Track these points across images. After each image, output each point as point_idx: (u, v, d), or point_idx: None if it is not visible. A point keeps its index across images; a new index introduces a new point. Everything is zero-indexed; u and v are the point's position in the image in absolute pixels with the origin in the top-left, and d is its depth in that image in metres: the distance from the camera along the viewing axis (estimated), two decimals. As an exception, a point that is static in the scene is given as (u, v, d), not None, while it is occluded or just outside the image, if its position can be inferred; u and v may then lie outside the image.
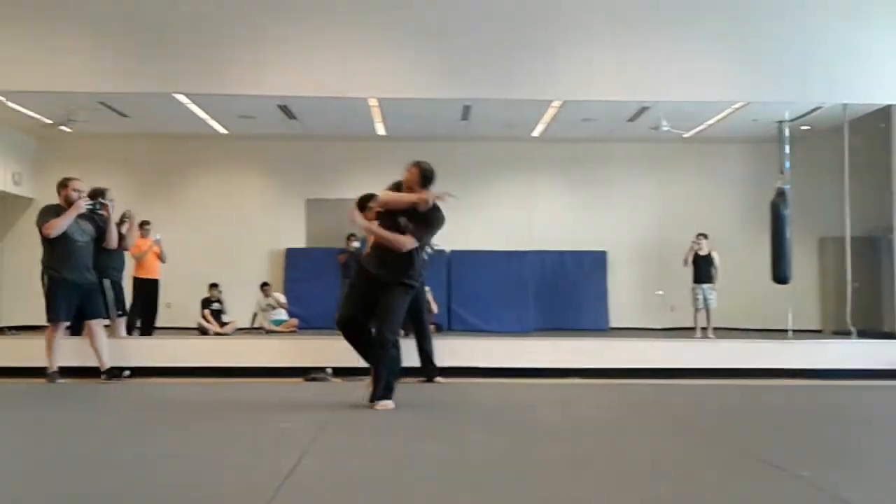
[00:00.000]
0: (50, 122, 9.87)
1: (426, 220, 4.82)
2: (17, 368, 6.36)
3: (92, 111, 9.36)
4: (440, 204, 4.87)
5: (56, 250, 6.13)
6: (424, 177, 4.85)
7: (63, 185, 6.30)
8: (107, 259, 6.72)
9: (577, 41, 7.65)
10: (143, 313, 9.19)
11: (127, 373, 6.36)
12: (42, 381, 6.17)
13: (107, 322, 6.72)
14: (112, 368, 6.32)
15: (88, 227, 6.34)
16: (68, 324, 6.36)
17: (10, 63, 7.15)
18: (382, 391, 4.71)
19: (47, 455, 3.53)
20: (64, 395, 5.64)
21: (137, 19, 7.31)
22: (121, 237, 6.85)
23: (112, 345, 6.61)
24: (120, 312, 7.12)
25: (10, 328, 9.18)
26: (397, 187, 4.91)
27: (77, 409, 4.99)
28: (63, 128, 10.26)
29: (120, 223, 6.82)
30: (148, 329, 9.19)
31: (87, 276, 6.25)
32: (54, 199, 6.29)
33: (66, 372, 6.31)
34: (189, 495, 2.77)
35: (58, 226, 6.04)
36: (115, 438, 3.96)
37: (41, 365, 6.29)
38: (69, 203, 6.16)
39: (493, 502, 2.77)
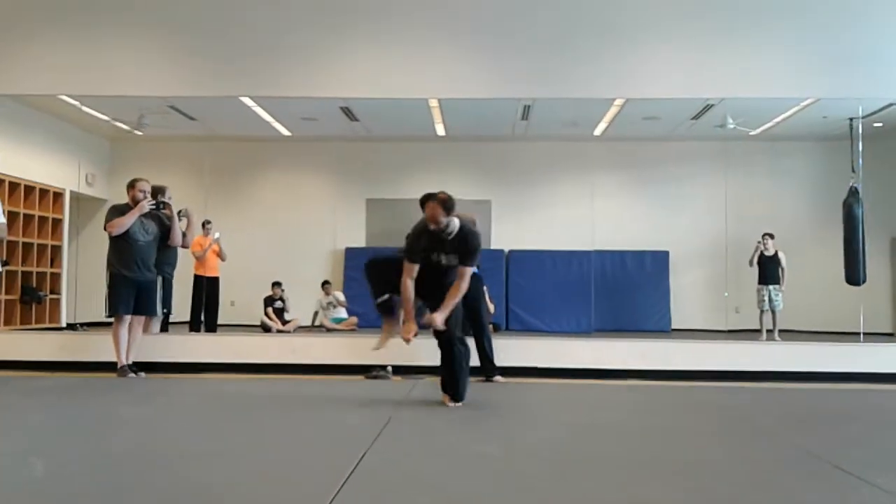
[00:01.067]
0: (123, 125, 10.19)
1: (464, 244, 4.90)
2: (89, 363, 6.56)
3: (162, 114, 9.63)
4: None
5: (118, 248, 6.38)
6: (446, 206, 4.93)
7: (131, 185, 6.56)
8: (163, 256, 6.85)
9: (642, 38, 7.53)
10: (207, 310, 9.42)
11: (142, 374, 6.48)
12: (113, 375, 6.38)
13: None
14: (125, 366, 6.42)
15: (152, 227, 6.54)
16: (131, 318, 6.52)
17: (84, 68, 7.39)
18: (456, 390, 4.79)
19: (113, 448, 3.64)
20: (132, 389, 5.81)
21: (206, 25, 7.48)
22: (182, 234, 6.98)
23: (149, 340, 6.80)
24: (165, 310, 7.23)
25: (82, 324, 9.53)
26: (419, 231, 5.03)
27: (143, 403, 5.13)
28: (134, 131, 10.60)
29: (178, 219, 6.97)
30: (211, 326, 9.42)
31: (146, 274, 6.44)
32: (125, 200, 6.52)
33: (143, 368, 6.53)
34: (254, 491, 2.83)
35: (120, 224, 6.28)
36: (180, 433, 4.06)
37: (111, 360, 6.51)
38: (135, 203, 6.39)
39: (548, 501, 2.76)
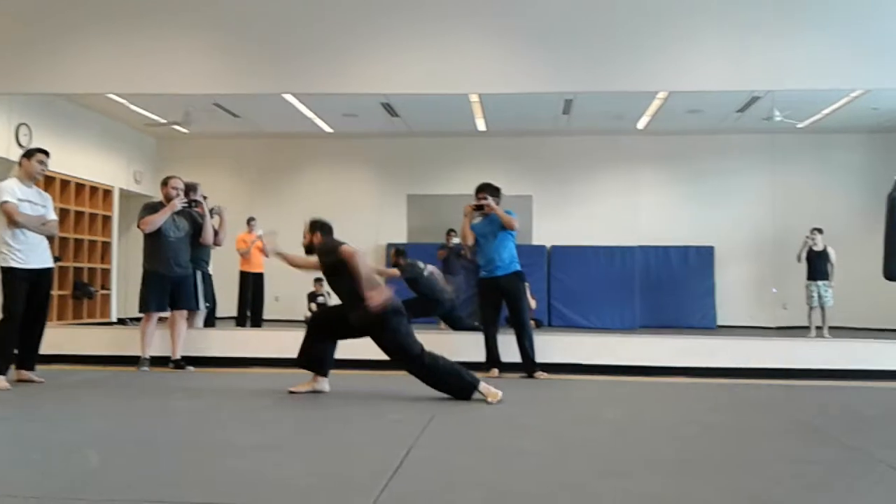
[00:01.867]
0: (167, 122, 10.37)
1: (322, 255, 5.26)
2: (139, 358, 6.68)
3: (206, 112, 9.79)
4: None
5: (150, 245, 6.50)
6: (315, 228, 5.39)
7: (164, 183, 6.68)
8: (197, 252, 6.94)
9: (685, 29, 7.40)
10: (252, 306, 9.56)
11: (191, 368, 6.59)
12: (164, 369, 6.52)
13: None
14: (180, 360, 6.58)
15: (184, 224, 6.63)
16: (163, 315, 6.65)
17: (131, 67, 7.53)
18: (462, 386, 4.91)
19: (162, 440, 3.71)
20: (181, 382, 5.91)
21: (250, 22, 7.57)
22: (215, 233, 7.04)
23: (196, 335, 6.92)
24: (208, 305, 7.33)
25: (131, 319, 9.74)
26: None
27: (192, 396, 5.22)
28: (180, 128, 10.78)
29: (210, 217, 7.06)
30: (256, 321, 9.56)
31: (177, 270, 6.51)
32: None
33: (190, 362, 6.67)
34: (301, 482, 2.87)
35: (152, 222, 6.39)
36: (228, 426, 4.13)
37: (161, 354, 6.65)
38: (168, 200, 6.50)
39: (596, 499, 2.75)
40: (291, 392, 5.07)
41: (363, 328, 4.99)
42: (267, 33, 7.55)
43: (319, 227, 5.37)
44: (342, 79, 7.55)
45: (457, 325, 8.56)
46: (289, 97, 8.94)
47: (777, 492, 2.89)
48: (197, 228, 6.77)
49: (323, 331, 5.21)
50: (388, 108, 9.90)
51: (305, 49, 7.52)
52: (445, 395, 4.99)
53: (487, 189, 6.51)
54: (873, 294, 9.77)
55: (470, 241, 6.75)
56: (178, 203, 6.50)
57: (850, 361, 6.93)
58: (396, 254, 9.27)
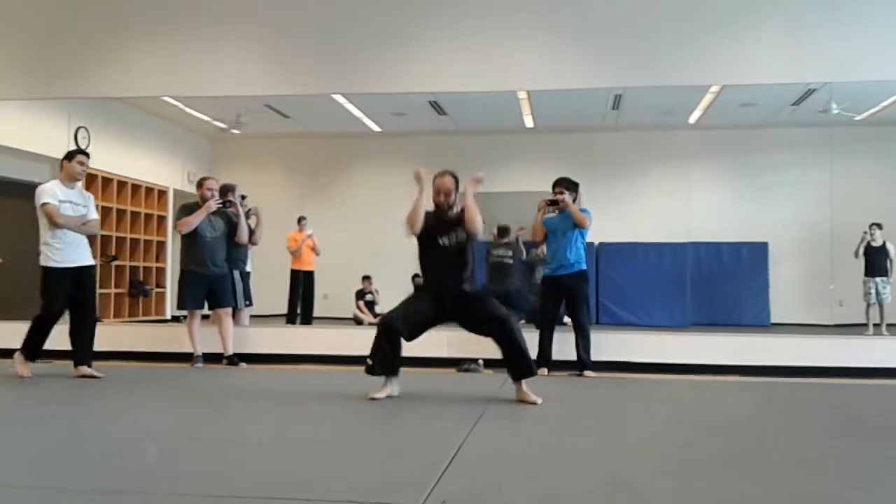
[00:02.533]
0: (223, 126, 10.57)
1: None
2: (185, 354, 6.84)
3: (257, 113, 9.95)
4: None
5: (188, 245, 6.68)
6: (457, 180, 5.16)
7: (199, 184, 6.87)
8: (234, 251, 7.05)
9: (738, 20, 7.24)
10: (302, 303, 9.69)
11: (243, 365, 6.70)
12: (217, 366, 6.65)
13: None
14: (233, 356, 6.71)
15: (220, 224, 6.78)
16: (205, 312, 6.80)
17: (185, 70, 7.68)
18: (528, 364, 4.73)
19: (217, 435, 3.79)
20: (234, 379, 6.02)
21: (299, 25, 7.65)
22: (251, 232, 7.14)
23: (239, 333, 7.02)
24: (247, 303, 7.44)
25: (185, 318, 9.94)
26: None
27: (244, 393, 5.31)
28: (233, 130, 10.97)
29: (247, 217, 7.16)
30: (307, 318, 9.69)
31: (214, 269, 6.65)
32: None
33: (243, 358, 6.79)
34: (353, 479, 2.90)
35: (188, 223, 6.56)
36: (280, 422, 4.19)
37: (214, 351, 6.79)
38: (204, 201, 6.65)
39: (647, 497, 2.72)
40: (373, 399, 4.79)
41: (464, 302, 4.79)
42: (315, 35, 7.63)
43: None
44: (390, 78, 7.59)
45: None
46: (338, 97, 9.03)
47: (831, 489, 2.83)
48: (232, 228, 6.90)
49: (400, 332, 4.93)
50: (436, 107, 9.93)
51: (353, 50, 7.58)
52: (494, 392, 4.98)
53: (564, 183, 6.43)
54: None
55: (539, 236, 6.70)
56: (213, 204, 6.65)
57: (911, 360, 6.73)
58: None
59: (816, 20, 7.13)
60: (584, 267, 6.43)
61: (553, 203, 6.38)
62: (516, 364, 4.70)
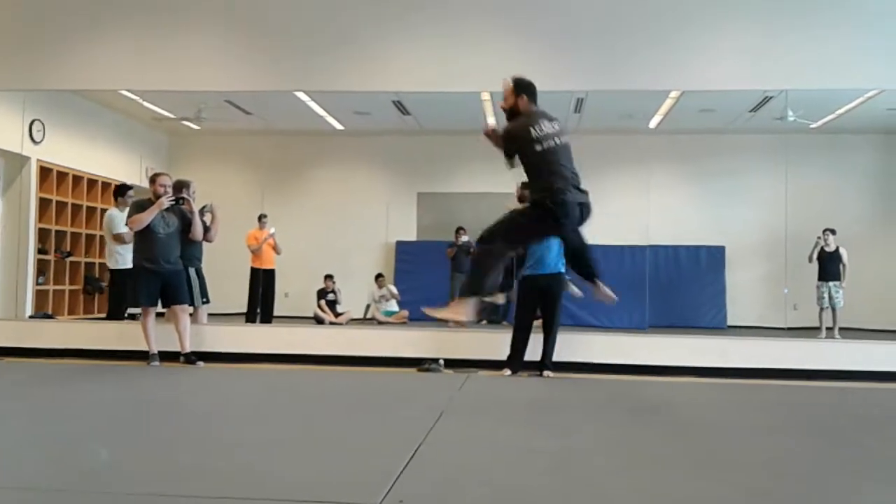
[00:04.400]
0: (179, 119, 10.42)
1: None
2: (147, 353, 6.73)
3: (218, 108, 9.81)
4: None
5: (140, 241, 6.60)
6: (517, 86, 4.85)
7: (152, 180, 6.76)
8: (190, 249, 6.99)
9: (698, 27, 7.38)
10: (262, 302, 9.60)
11: (201, 363, 6.62)
12: (174, 364, 6.55)
13: (191, 310, 7.00)
14: (190, 354, 6.62)
15: (173, 220, 6.68)
16: (159, 310, 6.72)
17: (144, 64, 7.56)
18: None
19: (170, 435, 3.73)
20: (190, 377, 5.94)
21: (262, 21, 7.59)
22: (205, 229, 7.05)
23: (196, 331, 6.93)
24: (204, 300, 7.35)
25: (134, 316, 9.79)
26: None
27: (201, 392, 5.24)
28: (191, 125, 10.82)
29: (201, 215, 7.07)
30: (267, 317, 9.59)
31: (167, 266, 6.56)
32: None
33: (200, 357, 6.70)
34: (310, 479, 2.87)
35: (140, 220, 6.48)
36: (236, 421, 4.14)
37: (170, 349, 6.68)
38: (157, 198, 6.56)
39: (605, 497, 2.74)
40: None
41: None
42: (279, 31, 7.56)
43: (525, 89, 4.85)
44: (354, 77, 7.55)
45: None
46: (301, 94, 8.95)
47: (786, 490, 2.88)
48: (186, 225, 6.81)
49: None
50: (400, 106, 9.90)
51: (317, 47, 7.53)
52: (454, 392, 4.99)
53: None
54: (884, 295, 9.74)
55: None
56: (166, 201, 6.55)
57: (861, 363, 6.89)
58: None
59: (774, 29, 7.28)
60: (563, 268, 6.47)
61: None
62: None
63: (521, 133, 4.68)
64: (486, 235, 4.47)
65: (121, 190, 8.19)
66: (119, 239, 7.62)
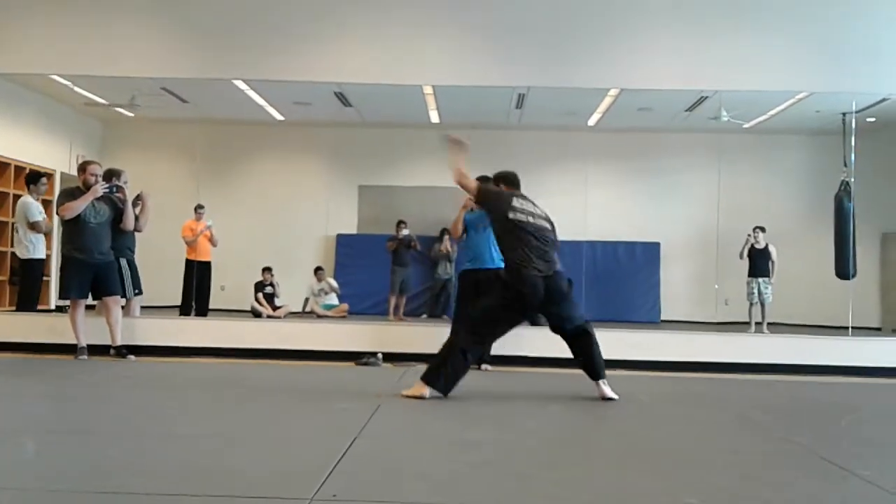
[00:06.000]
0: (111, 105, 10.13)
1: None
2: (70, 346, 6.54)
3: (154, 96, 9.56)
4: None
5: (69, 231, 6.41)
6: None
7: (82, 168, 6.55)
8: (122, 239, 6.82)
9: (638, 28, 7.52)
10: (197, 295, 9.41)
11: (132, 357, 6.48)
12: (104, 358, 6.38)
13: (123, 302, 6.83)
14: (121, 347, 6.47)
15: (104, 209, 6.50)
16: (90, 303, 6.55)
17: (76, 48, 7.33)
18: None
19: (100, 429, 3.64)
20: (121, 371, 5.79)
21: (200, 6, 7.43)
22: (135, 219, 6.88)
23: (128, 324, 6.78)
24: (137, 291, 7.17)
25: (63, 308, 9.51)
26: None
27: (132, 386, 5.12)
28: (126, 112, 10.52)
29: (134, 204, 6.90)
30: (202, 310, 9.41)
31: (98, 256, 6.39)
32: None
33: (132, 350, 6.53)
34: (243, 474, 2.83)
35: (72, 208, 6.28)
36: (168, 415, 4.06)
37: (101, 343, 6.50)
38: (87, 186, 6.38)
39: (536, 489, 2.78)
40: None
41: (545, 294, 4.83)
42: (218, 18, 7.42)
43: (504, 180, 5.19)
44: (294, 66, 7.46)
45: None
46: (239, 83, 8.78)
47: (715, 481, 2.96)
48: (118, 214, 6.63)
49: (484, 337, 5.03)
50: (342, 98, 9.81)
51: (257, 35, 7.41)
52: (392, 385, 4.98)
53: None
54: (811, 291, 10.08)
55: (459, 232, 6.72)
56: (100, 189, 6.37)
57: (788, 356, 7.13)
58: None
59: (709, 32, 7.48)
60: (501, 265, 6.50)
61: None
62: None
63: (503, 194, 5.08)
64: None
65: (33, 177, 7.89)
66: (36, 227, 7.36)
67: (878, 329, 10.15)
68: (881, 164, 9.80)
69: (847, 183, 9.02)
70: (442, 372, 4.68)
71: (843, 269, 8.96)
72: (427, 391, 4.63)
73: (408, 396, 4.65)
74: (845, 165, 8.99)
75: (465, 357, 4.72)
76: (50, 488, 2.59)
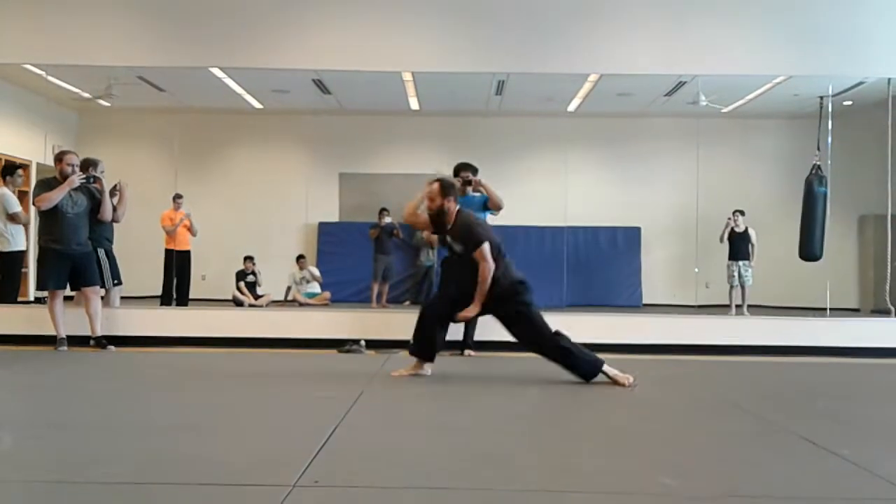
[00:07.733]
0: (88, 95, 10.00)
1: (464, 233, 4.97)
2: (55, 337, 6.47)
3: (130, 85, 9.45)
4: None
5: (47, 222, 6.34)
6: (444, 190, 4.95)
7: (58, 158, 6.46)
8: (99, 230, 6.75)
9: (617, 13, 7.52)
10: (177, 284, 9.36)
11: (112, 348, 6.43)
12: (83, 349, 6.33)
13: (102, 292, 6.77)
14: (101, 338, 6.42)
15: (81, 200, 6.43)
16: (68, 294, 6.50)
17: (50, 37, 7.23)
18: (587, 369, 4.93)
19: (81, 420, 3.61)
20: (102, 362, 5.76)
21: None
22: (113, 209, 6.81)
23: (108, 314, 6.72)
24: (116, 282, 7.10)
25: (41, 300, 9.41)
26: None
27: (113, 376, 5.09)
28: (102, 101, 10.39)
29: (111, 194, 6.83)
30: (182, 300, 9.36)
31: (76, 247, 6.34)
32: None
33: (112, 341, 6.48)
34: (226, 462, 2.83)
35: (49, 199, 6.21)
36: (150, 406, 4.04)
37: (80, 333, 6.45)
38: (64, 177, 6.30)
39: (515, 472, 2.79)
40: (393, 376, 4.87)
41: (493, 308, 4.95)
42: (193, 5, 7.34)
43: (450, 191, 4.94)
44: (272, 54, 7.40)
45: None
46: (216, 71, 8.70)
47: (692, 462, 2.99)
48: (95, 204, 6.56)
49: (439, 318, 4.96)
50: (320, 85, 9.74)
51: (234, 23, 7.34)
52: (374, 372, 4.98)
53: (470, 168, 6.51)
54: (791, 274, 10.17)
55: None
56: (77, 179, 6.30)
57: (767, 338, 7.21)
58: None
59: (686, 17, 7.49)
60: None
61: (467, 183, 6.43)
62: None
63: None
64: None
65: (8, 169, 7.76)
66: (15, 218, 7.26)
67: (857, 310, 10.27)
68: (857, 147, 9.88)
69: (818, 167, 9.08)
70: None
71: (810, 251, 9.04)
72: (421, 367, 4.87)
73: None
74: (818, 149, 9.06)
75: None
76: (29, 479, 2.57)
